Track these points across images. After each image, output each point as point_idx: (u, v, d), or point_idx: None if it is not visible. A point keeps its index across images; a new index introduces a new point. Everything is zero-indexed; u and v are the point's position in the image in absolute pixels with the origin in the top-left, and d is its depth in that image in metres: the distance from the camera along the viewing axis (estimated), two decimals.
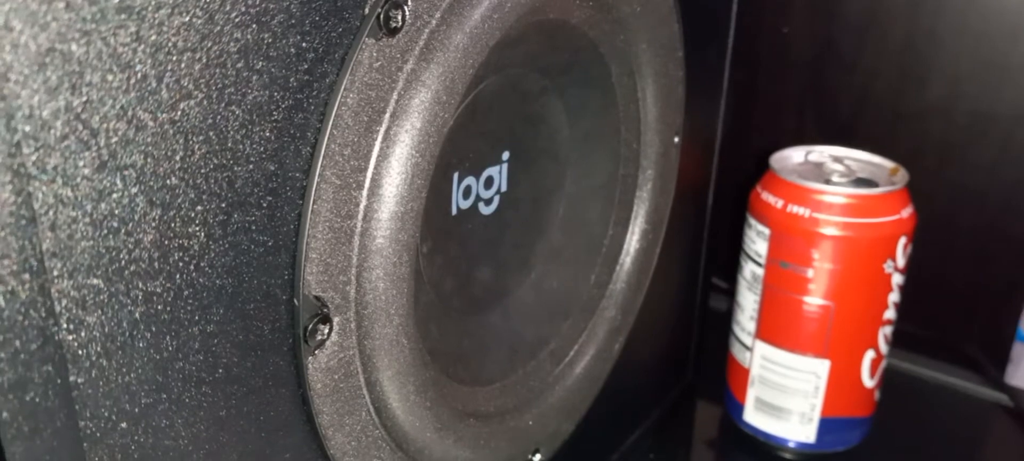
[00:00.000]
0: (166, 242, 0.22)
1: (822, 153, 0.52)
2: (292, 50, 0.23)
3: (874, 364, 0.51)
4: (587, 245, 0.40)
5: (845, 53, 0.64)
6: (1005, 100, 0.59)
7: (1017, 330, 0.63)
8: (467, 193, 0.34)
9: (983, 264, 0.63)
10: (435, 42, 0.27)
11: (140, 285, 0.21)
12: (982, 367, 0.61)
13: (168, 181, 0.21)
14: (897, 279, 0.49)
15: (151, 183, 0.21)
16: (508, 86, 0.34)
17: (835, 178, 0.49)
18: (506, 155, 0.35)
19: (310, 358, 0.26)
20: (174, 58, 0.21)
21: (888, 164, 0.51)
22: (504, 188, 0.36)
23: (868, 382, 0.51)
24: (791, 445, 0.52)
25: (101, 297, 0.21)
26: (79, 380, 0.21)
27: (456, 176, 0.33)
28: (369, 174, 0.26)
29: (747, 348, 0.52)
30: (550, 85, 0.36)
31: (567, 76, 0.37)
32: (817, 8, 0.65)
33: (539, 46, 0.34)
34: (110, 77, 0.19)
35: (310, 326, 0.26)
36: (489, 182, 0.35)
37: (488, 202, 0.35)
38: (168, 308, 0.22)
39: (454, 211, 0.33)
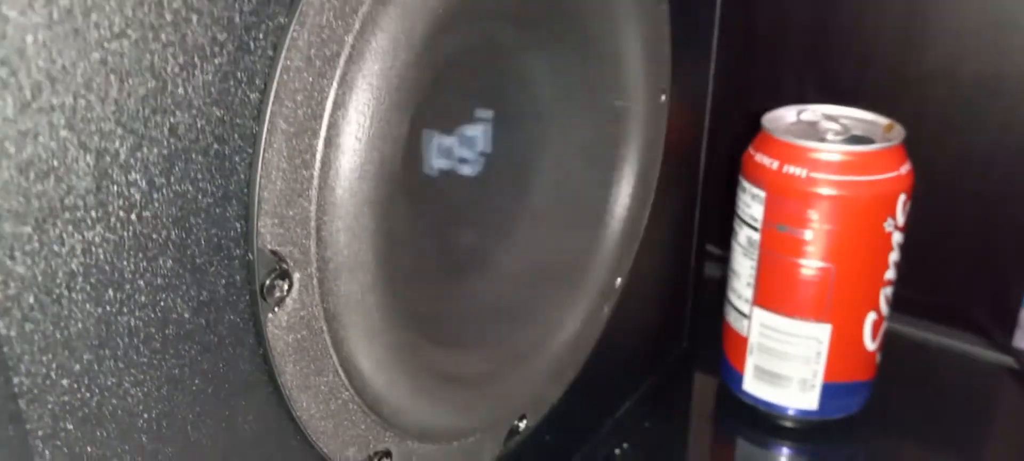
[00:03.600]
0: (103, 188, 0.21)
1: (815, 112, 0.50)
2: None
3: (876, 326, 0.49)
4: (572, 206, 0.39)
5: (846, 15, 0.63)
6: (1011, 61, 0.57)
7: None
8: (444, 152, 0.33)
9: (990, 228, 0.61)
10: None
11: (76, 234, 0.21)
12: (989, 331, 0.59)
13: (102, 125, 0.20)
14: (897, 238, 0.47)
15: (82, 127, 0.20)
16: (481, 39, 0.33)
17: (830, 137, 0.47)
18: (485, 114, 0.34)
19: (269, 315, 0.25)
20: None
21: (882, 120, 0.49)
22: (484, 148, 0.35)
23: (870, 345, 0.50)
24: (793, 413, 0.51)
25: (32, 246, 0.20)
26: (11, 333, 0.20)
27: (432, 134, 0.32)
28: (325, 121, 0.25)
29: (744, 315, 0.51)
30: (527, 39, 0.35)
31: (544, 29, 0.35)
32: None
33: None
34: (29, 12, 0.18)
35: (268, 282, 0.25)
36: (468, 141, 0.34)
37: (468, 162, 0.34)
38: (109, 258, 0.21)
39: (431, 170, 0.32)
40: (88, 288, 0.21)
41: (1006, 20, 0.57)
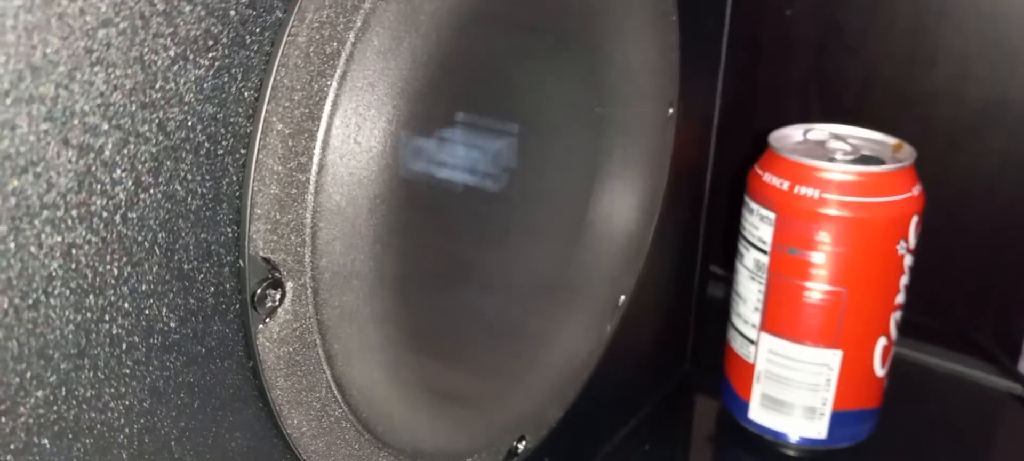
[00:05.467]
0: (86, 187, 0.20)
1: (822, 131, 0.49)
2: None
3: (886, 352, 0.48)
4: (576, 221, 0.38)
5: (851, 35, 0.62)
6: (1016, 83, 0.56)
7: None
8: (445, 160, 0.32)
9: (995, 251, 0.60)
10: None
11: (55, 235, 0.19)
12: (995, 356, 0.58)
13: (86, 119, 0.19)
14: (908, 261, 0.46)
15: (64, 120, 0.19)
16: (488, 45, 0.32)
17: (839, 156, 0.46)
18: (488, 122, 0.33)
19: (260, 326, 0.24)
20: None
21: (891, 140, 0.48)
22: (486, 156, 0.33)
23: (880, 371, 0.48)
24: (800, 442, 0.50)
25: (7, 246, 0.18)
26: None
27: (431, 140, 0.30)
28: (322, 124, 0.24)
29: (751, 341, 0.50)
30: (534, 45, 0.34)
31: (552, 37, 0.34)
32: None
33: (520, 2, 0.32)
34: None
35: (259, 291, 0.24)
36: (469, 150, 0.33)
37: (469, 171, 0.33)
38: (91, 262, 0.20)
39: (431, 178, 0.31)
40: (67, 293, 0.20)
41: (1011, 42, 0.56)
